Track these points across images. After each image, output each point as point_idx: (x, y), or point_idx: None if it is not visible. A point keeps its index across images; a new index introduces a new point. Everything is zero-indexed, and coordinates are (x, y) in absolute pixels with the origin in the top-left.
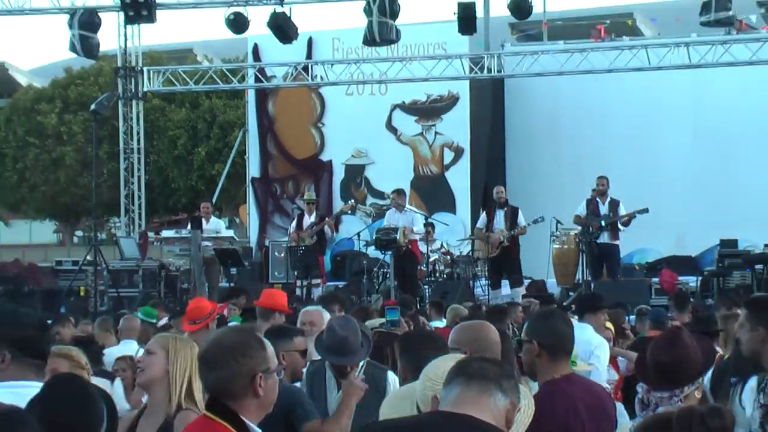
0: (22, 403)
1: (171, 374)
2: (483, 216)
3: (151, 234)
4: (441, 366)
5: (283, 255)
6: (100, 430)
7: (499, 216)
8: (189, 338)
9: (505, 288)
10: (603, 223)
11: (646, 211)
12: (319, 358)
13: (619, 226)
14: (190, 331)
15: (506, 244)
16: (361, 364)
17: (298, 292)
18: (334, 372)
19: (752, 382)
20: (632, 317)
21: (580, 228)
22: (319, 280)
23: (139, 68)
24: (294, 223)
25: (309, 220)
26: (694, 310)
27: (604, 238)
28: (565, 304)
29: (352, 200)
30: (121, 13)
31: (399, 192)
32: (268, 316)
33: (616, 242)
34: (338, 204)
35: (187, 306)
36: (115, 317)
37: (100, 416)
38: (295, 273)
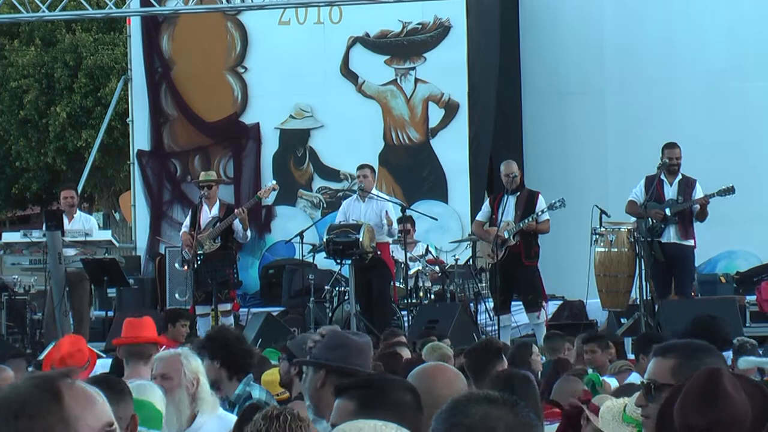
0: None
1: None
2: (486, 205)
3: None
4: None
5: (186, 267)
6: None
7: (509, 205)
8: None
9: (519, 313)
10: (668, 212)
11: (730, 191)
12: None
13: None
14: None
15: (513, 242)
16: None
17: (199, 324)
18: None
19: None
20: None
21: (635, 221)
22: (229, 306)
23: None
24: (187, 220)
25: (209, 213)
26: None
27: (670, 235)
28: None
29: (274, 181)
30: None
31: (368, 168)
32: (141, 355)
33: (689, 242)
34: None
35: (48, 348)
36: None
37: None
38: (188, 296)
